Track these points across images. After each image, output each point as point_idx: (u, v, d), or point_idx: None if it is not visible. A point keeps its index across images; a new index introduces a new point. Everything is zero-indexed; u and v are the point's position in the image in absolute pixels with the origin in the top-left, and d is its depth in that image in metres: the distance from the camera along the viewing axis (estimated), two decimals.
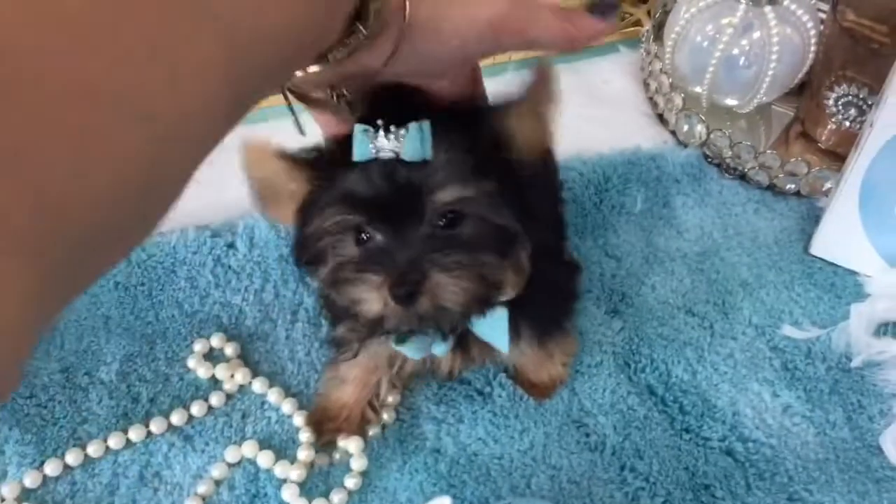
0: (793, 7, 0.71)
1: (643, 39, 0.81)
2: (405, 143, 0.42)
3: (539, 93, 0.45)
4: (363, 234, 0.45)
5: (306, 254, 0.47)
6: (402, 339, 0.51)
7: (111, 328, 0.65)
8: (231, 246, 0.68)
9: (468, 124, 0.45)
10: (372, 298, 0.44)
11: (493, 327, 0.49)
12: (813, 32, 0.72)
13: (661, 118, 0.79)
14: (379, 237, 0.44)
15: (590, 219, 0.71)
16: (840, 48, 0.71)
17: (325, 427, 0.60)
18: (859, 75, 0.70)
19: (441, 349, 0.52)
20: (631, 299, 0.67)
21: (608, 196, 0.72)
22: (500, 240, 0.46)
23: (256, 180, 0.46)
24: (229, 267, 0.68)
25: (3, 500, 0.57)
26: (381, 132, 0.42)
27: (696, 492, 0.59)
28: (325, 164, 0.45)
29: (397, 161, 0.42)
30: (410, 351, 0.52)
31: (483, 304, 0.47)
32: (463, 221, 0.45)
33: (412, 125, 0.42)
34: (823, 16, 0.73)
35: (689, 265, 0.70)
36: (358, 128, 0.42)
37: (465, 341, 0.53)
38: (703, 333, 0.66)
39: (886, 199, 0.65)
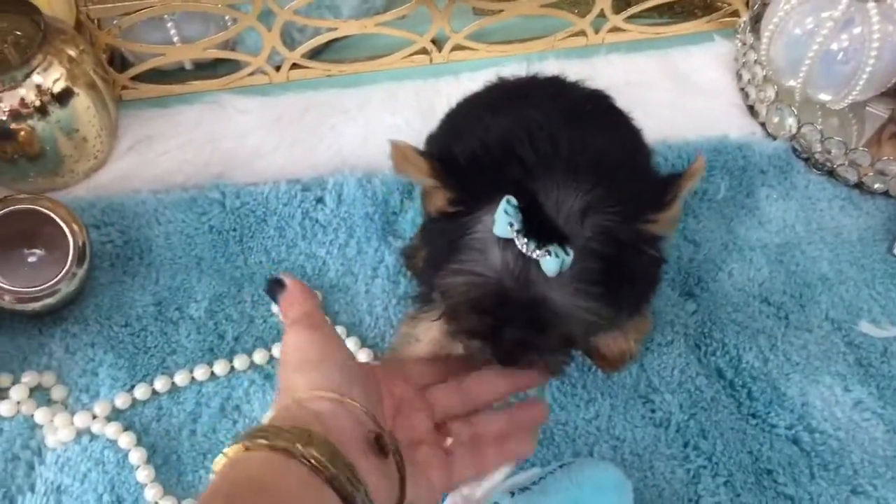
0: None
1: (739, 30, 0.81)
2: (549, 262, 0.43)
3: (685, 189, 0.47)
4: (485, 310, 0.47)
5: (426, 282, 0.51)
6: None
7: (203, 268, 0.68)
8: (320, 201, 0.71)
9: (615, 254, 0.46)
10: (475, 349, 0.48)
11: None
12: None
13: (752, 109, 0.79)
14: (492, 321, 0.47)
15: None
16: None
17: None
18: None
19: None
20: (707, 284, 0.68)
21: None
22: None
23: (402, 173, 0.49)
24: (317, 220, 0.70)
25: (94, 416, 0.61)
26: (527, 239, 0.43)
27: (758, 475, 0.59)
28: (465, 193, 0.47)
29: (530, 259, 0.44)
30: None
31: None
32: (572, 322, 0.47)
33: (559, 253, 0.43)
34: None
35: (768, 255, 0.70)
36: (505, 208, 0.44)
37: None
38: (777, 323, 0.66)
39: None
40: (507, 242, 0.44)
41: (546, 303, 0.45)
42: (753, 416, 0.62)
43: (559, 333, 0.47)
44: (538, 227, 0.43)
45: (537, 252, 0.43)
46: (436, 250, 0.51)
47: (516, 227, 0.43)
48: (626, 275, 0.47)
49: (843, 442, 0.61)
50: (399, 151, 0.48)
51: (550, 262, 0.43)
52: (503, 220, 0.43)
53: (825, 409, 0.62)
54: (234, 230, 0.70)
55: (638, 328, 0.63)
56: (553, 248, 0.43)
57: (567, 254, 0.43)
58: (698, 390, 0.63)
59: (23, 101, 0.65)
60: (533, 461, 0.59)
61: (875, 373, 0.64)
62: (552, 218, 0.44)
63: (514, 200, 0.43)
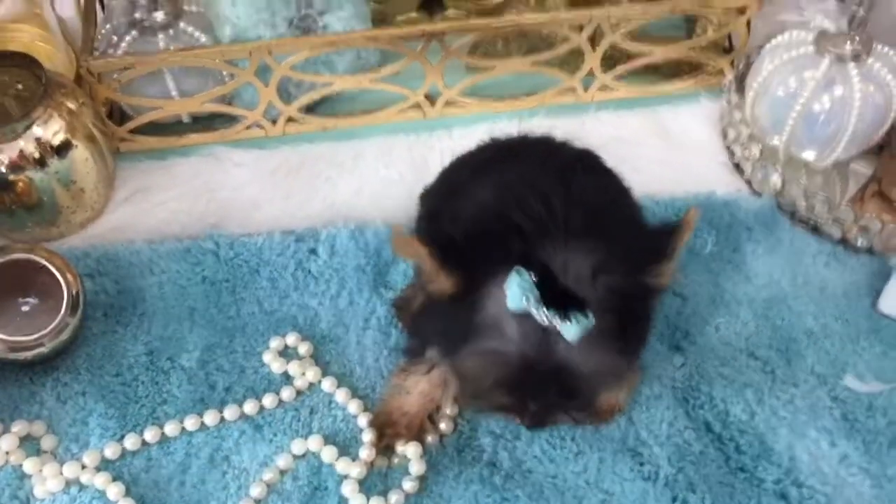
0: (877, 66, 0.73)
1: (725, 89, 0.83)
2: (571, 329, 0.44)
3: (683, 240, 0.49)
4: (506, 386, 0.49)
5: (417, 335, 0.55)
6: None
7: (195, 319, 0.69)
8: (313, 252, 0.72)
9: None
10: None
11: None
12: None
13: (738, 167, 0.80)
14: (519, 395, 0.49)
15: None
16: None
17: (386, 431, 0.62)
18: None
19: None
20: (694, 337, 0.69)
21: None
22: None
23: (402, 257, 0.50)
24: (309, 271, 0.71)
25: (84, 467, 0.61)
26: (544, 309, 0.44)
27: None
28: (469, 273, 0.47)
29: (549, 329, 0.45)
30: None
31: None
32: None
33: (581, 318, 0.45)
34: None
35: (754, 310, 0.71)
36: (516, 278, 0.45)
37: None
38: (764, 377, 0.67)
39: None
40: (522, 316, 0.44)
41: (570, 369, 0.45)
42: (741, 469, 0.62)
43: (586, 395, 0.47)
44: (553, 295, 0.44)
45: (557, 320, 0.43)
46: (446, 333, 0.51)
47: (533, 298, 0.43)
48: (637, 328, 0.48)
49: (831, 497, 0.61)
50: (399, 239, 0.48)
51: (572, 328, 0.43)
52: (517, 293, 0.44)
53: (812, 464, 0.62)
54: (227, 281, 0.70)
55: (627, 381, 0.64)
56: (573, 314, 0.43)
57: (587, 318, 0.44)
58: (686, 444, 0.63)
59: (22, 153, 0.66)
60: None
61: (861, 427, 0.64)
62: (564, 284, 0.45)
63: (524, 271, 0.44)
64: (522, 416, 0.50)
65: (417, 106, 0.81)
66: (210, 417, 0.63)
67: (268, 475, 0.60)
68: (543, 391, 0.47)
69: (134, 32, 0.74)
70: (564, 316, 0.44)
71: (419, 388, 0.62)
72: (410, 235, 0.49)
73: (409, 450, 0.61)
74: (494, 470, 0.61)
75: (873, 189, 0.78)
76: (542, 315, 0.44)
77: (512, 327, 0.45)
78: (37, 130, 0.67)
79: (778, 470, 0.62)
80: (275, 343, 0.67)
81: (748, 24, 0.80)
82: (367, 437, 0.62)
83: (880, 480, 0.62)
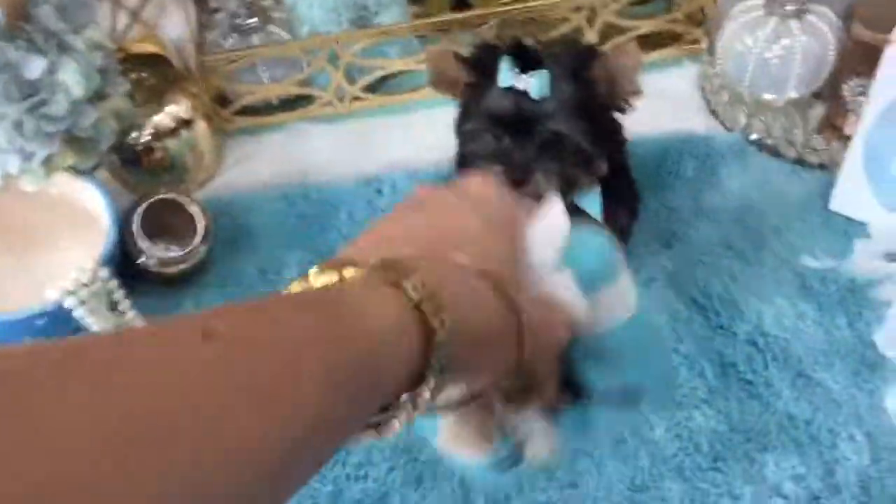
0: (815, 20, 0.92)
1: (704, 54, 1.02)
2: (533, 84, 0.65)
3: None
4: (497, 136, 0.68)
5: (461, 136, 0.72)
6: None
7: (293, 245, 0.89)
8: (378, 192, 0.92)
9: (577, 70, 0.67)
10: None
11: (590, 201, 0.72)
12: (832, 41, 0.92)
13: (714, 112, 0.99)
14: (507, 140, 0.68)
15: (650, 180, 0.91)
16: (852, 52, 0.90)
17: None
18: (868, 70, 0.89)
19: None
20: (680, 236, 0.87)
21: (666, 164, 0.93)
22: (583, 156, 0.69)
23: (435, 71, 0.70)
24: (377, 206, 0.91)
25: None
26: (519, 73, 0.65)
27: (724, 367, 0.77)
28: (479, 71, 0.68)
29: (524, 94, 0.65)
30: None
31: (568, 190, 0.70)
32: (562, 142, 0.68)
33: (539, 73, 0.64)
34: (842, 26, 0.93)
35: (729, 215, 0.89)
36: (505, 62, 0.65)
37: None
38: (737, 262, 0.85)
39: (884, 159, 0.84)
40: (508, 90, 0.65)
41: (541, 122, 0.65)
42: (720, 326, 0.80)
43: (556, 150, 0.66)
44: (525, 61, 0.64)
45: (524, 77, 0.63)
46: (462, 117, 0.71)
47: (508, 65, 0.64)
48: (599, 122, 0.66)
49: (790, 342, 0.79)
50: (433, 50, 0.71)
51: (534, 84, 0.63)
52: (504, 68, 0.64)
53: (775, 320, 0.80)
54: (316, 216, 0.91)
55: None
56: (537, 73, 0.63)
57: (544, 76, 0.63)
58: (676, 311, 0.81)
59: (161, 125, 0.88)
60: None
61: (815, 293, 0.82)
62: (535, 52, 0.65)
63: (509, 52, 0.65)
64: (507, 169, 0.66)
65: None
66: None
67: None
68: (526, 140, 0.66)
69: (235, 35, 0.96)
70: (529, 73, 0.64)
71: None
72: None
73: None
74: None
75: (825, 124, 0.97)
76: (515, 73, 0.64)
77: (502, 97, 0.65)
78: (171, 109, 0.89)
79: (748, 325, 0.80)
80: None
81: None
82: None
83: (830, 329, 0.79)
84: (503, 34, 0.99)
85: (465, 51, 0.72)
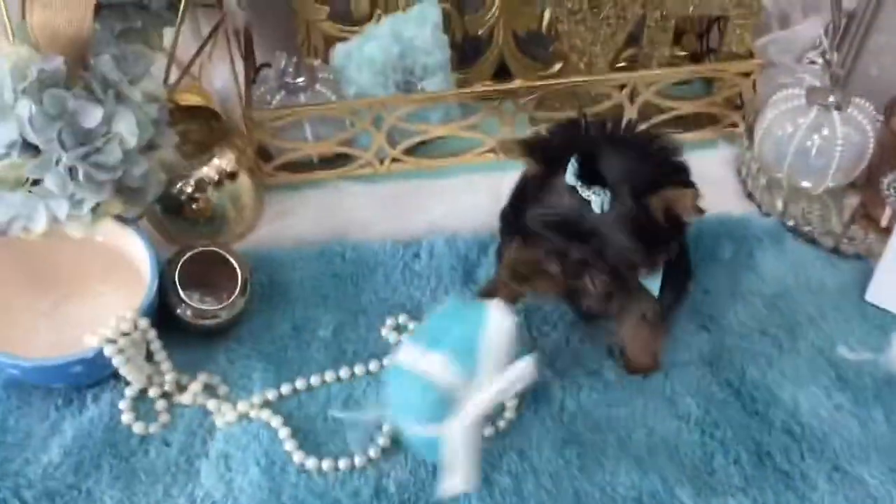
0: (855, 113, 0.93)
1: (740, 138, 1.04)
2: (595, 200, 0.65)
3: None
4: (554, 234, 0.69)
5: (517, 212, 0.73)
6: None
7: (328, 304, 0.89)
8: (416, 255, 0.92)
9: (637, 195, 0.67)
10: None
11: (651, 280, 0.73)
12: (871, 134, 0.93)
13: (750, 195, 1.00)
14: (562, 240, 0.69)
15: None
16: (892, 146, 0.91)
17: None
18: None
19: None
20: (717, 320, 0.87)
21: (703, 245, 0.93)
22: (632, 265, 0.70)
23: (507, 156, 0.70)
24: (413, 270, 0.91)
25: (252, 405, 0.80)
26: (584, 184, 0.66)
27: (760, 456, 0.77)
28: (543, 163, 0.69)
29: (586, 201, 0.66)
30: None
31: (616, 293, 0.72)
32: (615, 252, 0.68)
33: (603, 192, 0.65)
34: (881, 119, 0.94)
35: (765, 300, 0.89)
36: (573, 165, 0.66)
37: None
38: (773, 348, 0.85)
39: None
40: (573, 189, 0.65)
41: (596, 231, 0.66)
42: (756, 413, 0.80)
43: (608, 258, 0.67)
44: (591, 176, 0.65)
45: (587, 190, 0.64)
46: (525, 203, 0.70)
47: (575, 173, 0.64)
48: (654, 235, 0.67)
49: (827, 434, 0.78)
50: (503, 141, 0.71)
51: (596, 200, 0.64)
52: (571, 171, 0.65)
53: (812, 410, 0.80)
54: (352, 276, 0.91)
55: (656, 338, 0.81)
56: (598, 190, 0.64)
57: (606, 194, 0.64)
58: (711, 394, 0.81)
59: (206, 177, 0.89)
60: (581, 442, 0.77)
61: (851, 385, 0.81)
62: (602, 171, 0.65)
63: (579, 158, 0.65)
64: (561, 264, 0.68)
65: (492, 150, 1.02)
66: (343, 373, 0.83)
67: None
68: (581, 243, 0.67)
69: (283, 93, 0.97)
70: (592, 188, 0.65)
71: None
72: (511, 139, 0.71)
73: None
74: (563, 412, 0.80)
75: (860, 213, 0.97)
76: (579, 184, 0.65)
77: (565, 196, 0.66)
78: (216, 161, 0.89)
79: (784, 413, 0.79)
80: (390, 321, 0.87)
81: (754, 84, 1.01)
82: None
83: (866, 422, 0.79)
84: (548, 111, 1.01)
85: (527, 136, 0.73)
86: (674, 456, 0.77)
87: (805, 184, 0.97)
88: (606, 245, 0.67)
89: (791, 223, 0.96)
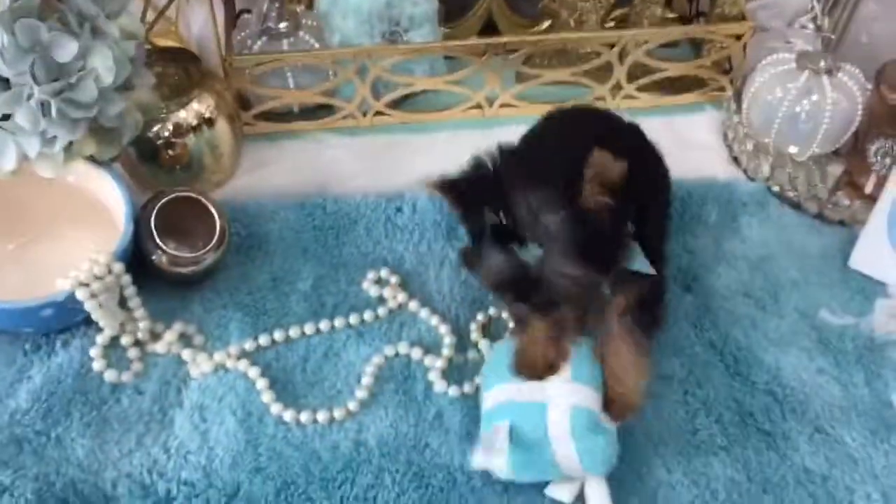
0: (845, 79, 0.92)
1: (726, 102, 1.03)
2: (527, 257, 0.64)
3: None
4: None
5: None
6: None
7: (308, 256, 0.87)
8: (399, 209, 0.90)
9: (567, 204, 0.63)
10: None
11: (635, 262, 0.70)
12: (860, 100, 0.93)
13: (736, 160, 0.99)
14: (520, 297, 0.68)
15: (673, 225, 0.90)
16: (880, 114, 0.91)
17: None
18: (894, 133, 0.90)
19: None
20: (701, 281, 0.86)
21: (689, 209, 0.92)
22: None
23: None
24: (396, 224, 0.89)
25: (228, 355, 0.78)
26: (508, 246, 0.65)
27: (742, 416, 0.76)
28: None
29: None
30: None
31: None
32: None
33: (527, 248, 0.64)
34: (870, 87, 0.93)
35: (749, 263, 0.88)
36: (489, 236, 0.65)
37: None
38: (756, 311, 0.84)
39: None
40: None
41: (543, 275, 0.64)
42: (738, 374, 0.79)
43: (567, 292, 0.65)
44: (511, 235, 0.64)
45: (516, 256, 0.64)
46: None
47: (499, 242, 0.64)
48: (600, 243, 0.64)
49: (808, 395, 0.78)
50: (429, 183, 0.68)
51: (527, 256, 0.64)
52: (491, 243, 0.65)
53: (793, 373, 0.80)
54: (332, 228, 0.89)
55: (639, 369, 0.74)
56: (523, 248, 0.64)
57: (534, 247, 0.63)
58: (695, 355, 0.80)
59: (184, 122, 0.86)
60: None
61: (833, 348, 0.81)
62: (517, 227, 0.64)
63: (492, 227, 0.64)
64: (531, 307, 0.68)
65: (478, 106, 1.00)
66: (323, 325, 0.81)
67: (369, 367, 0.78)
68: (537, 291, 0.65)
69: (264, 38, 0.94)
70: (520, 248, 0.64)
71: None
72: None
73: (483, 346, 0.79)
74: None
75: (844, 180, 0.97)
76: (506, 251, 0.65)
77: (499, 254, 0.65)
78: (195, 105, 0.86)
79: (767, 374, 0.79)
80: (371, 274, 0.85)
81: (744, 48, 1.00)
82: (447, 340, 0.80)
83: (847, 385, 0.79)
84: (528, 71, 0.98)
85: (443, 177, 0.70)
86: (657, 414, 0.76)
87: (792, 149, 0.96)
88: (556, 285, 0.65)
89: (776, 188, 0.95)
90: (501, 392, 0.71)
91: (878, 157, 0.92)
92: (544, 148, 0.74)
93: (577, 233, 0.63)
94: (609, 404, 0.73)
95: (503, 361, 0.72)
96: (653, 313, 0.76)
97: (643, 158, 0.79)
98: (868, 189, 0.94)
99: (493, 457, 0.67)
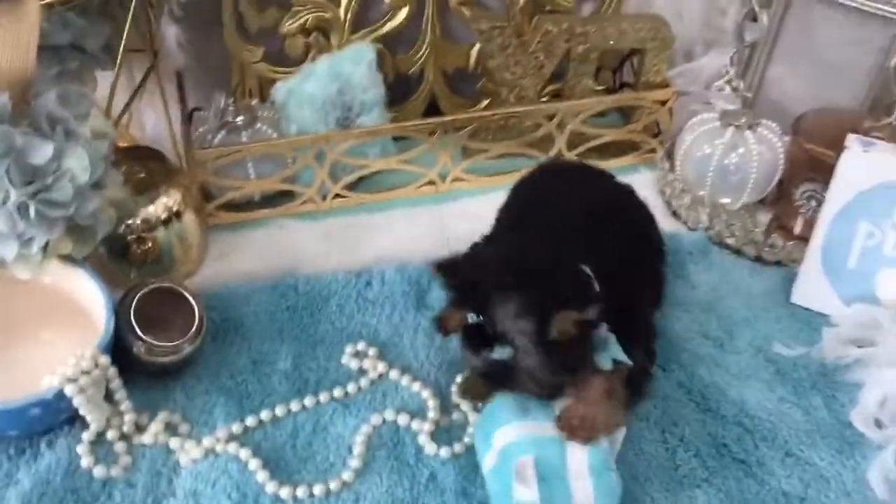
0: (765, 132, 1.01)
1: (659, 161, 1.10)
2: (503, 356, 0.71)
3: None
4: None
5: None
6: None
7: (284, 337, 0.88)
8: (368, 283, 0.93)
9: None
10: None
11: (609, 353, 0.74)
12: (781, 150, 1.01)
13: (675, 214, 1.06)
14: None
15: None
16: (801, 161, 1.00)
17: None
18: (816, 177, 0.98)
19: None
20: (661, 328, 0.91)
21: None
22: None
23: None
24: (367, 298, 0.92)
25: (217, 439, 0.78)
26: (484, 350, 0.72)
27: (717, 448, 0.80)
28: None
29: None
30: None
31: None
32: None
33: (500, 350, 0.70)
34: (787, 138, 1.02)
35: (701, 307, 0.94)
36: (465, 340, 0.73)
37: None
38: (715, 349, 0.90)
39: (840, 257, 0.91)
40: None
41: (518, 368, 0.71)
42: (708, 409, 0.84)
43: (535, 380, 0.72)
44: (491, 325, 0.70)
45: (491, 354, 0.71)
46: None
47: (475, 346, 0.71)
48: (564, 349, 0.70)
49: (775, 423, 0.83)
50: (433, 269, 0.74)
51: (501, 354, 0.70)
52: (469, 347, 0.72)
53: (758, 403, 0.84)
54: (306, 308, 0.91)
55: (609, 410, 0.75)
56: (498, 351, 0.70)
57: (505, 350, 0.69)
58: (667, 396, 0.85)
59: (152, 216, 0.88)
60: None
61: (789, 378, 0.87)
62: (494, 331, 0.70)
63: (467, 331, 0.72)
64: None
65: (431, 182, 1.05)
66: (308, 401, 0.82)
67: (359, 437, 0.79)
68: (513, 381, 0.72)
69: (223, 132, 0.97)
70: (494, 349, 0.71)
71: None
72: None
73: (466, 408, 0.81)
74: None
75: (774, 225, 1.05)
76: (483, 354, 0.72)
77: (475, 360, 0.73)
78: (163, 199, 0.88)
79: (735, 407, 0.84)
80: (349, 348, 0.87)
81: (670, 111, 1.09)
82: (431, 404, 0.82)
83: (808, 410, 0.84)
84: (476, 145, 1.04)
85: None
86: (639, 454, 0.80)
87: (725, 199, 1.04)
88: (530, 376, 0.71)
89: (716, 237, 1.02)
90: (521, 429, 0.73)
91: (805, 200, 1.00)
92: (521, 245, 0.78)
93: (548, 355, 0.69)
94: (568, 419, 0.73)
95: (507, 403, 0.74)
96: (637, 387, 0.80)
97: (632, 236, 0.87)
98: (797, 230, 1.02)
99: (526, 487, 0.69)
